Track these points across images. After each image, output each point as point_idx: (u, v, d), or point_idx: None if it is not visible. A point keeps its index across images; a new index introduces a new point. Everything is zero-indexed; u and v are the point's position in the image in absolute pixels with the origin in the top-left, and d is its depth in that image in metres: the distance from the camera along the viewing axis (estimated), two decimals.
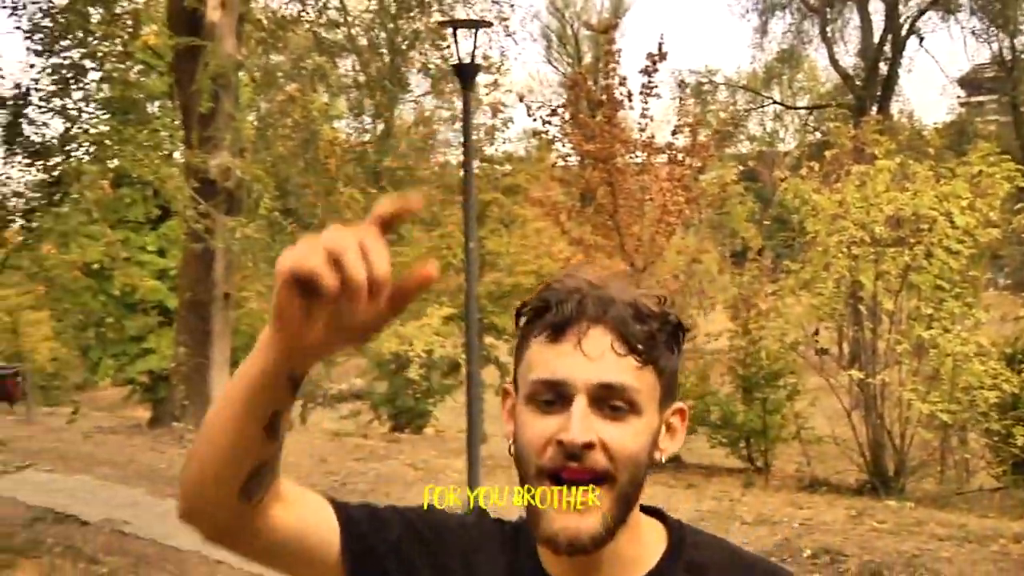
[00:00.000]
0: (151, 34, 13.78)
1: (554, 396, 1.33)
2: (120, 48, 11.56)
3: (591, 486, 1.31)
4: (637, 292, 1.37)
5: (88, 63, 10.74)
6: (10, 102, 10.18)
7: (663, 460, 1.40)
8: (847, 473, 15.34)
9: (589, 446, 1.30)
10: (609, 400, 1.32)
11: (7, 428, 19.01)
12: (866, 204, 14.35)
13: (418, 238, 26.97)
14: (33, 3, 10.70)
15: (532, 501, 1.34)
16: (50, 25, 10.60)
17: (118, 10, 11.84)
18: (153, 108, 14.47)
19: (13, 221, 10.49)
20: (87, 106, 10.97)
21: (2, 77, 10.39)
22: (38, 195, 10.40)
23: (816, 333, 17.27)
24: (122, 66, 11.83)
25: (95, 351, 25.85)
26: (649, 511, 1.48)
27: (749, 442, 16.60)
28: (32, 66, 10.35)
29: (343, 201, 18.49)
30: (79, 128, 10.66)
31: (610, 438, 1.31)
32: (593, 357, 1.31)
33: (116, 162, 10.92)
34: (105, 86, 11.67)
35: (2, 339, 30.30)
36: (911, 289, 14.65)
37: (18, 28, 10.66)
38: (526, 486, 1.36)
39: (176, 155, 16.05)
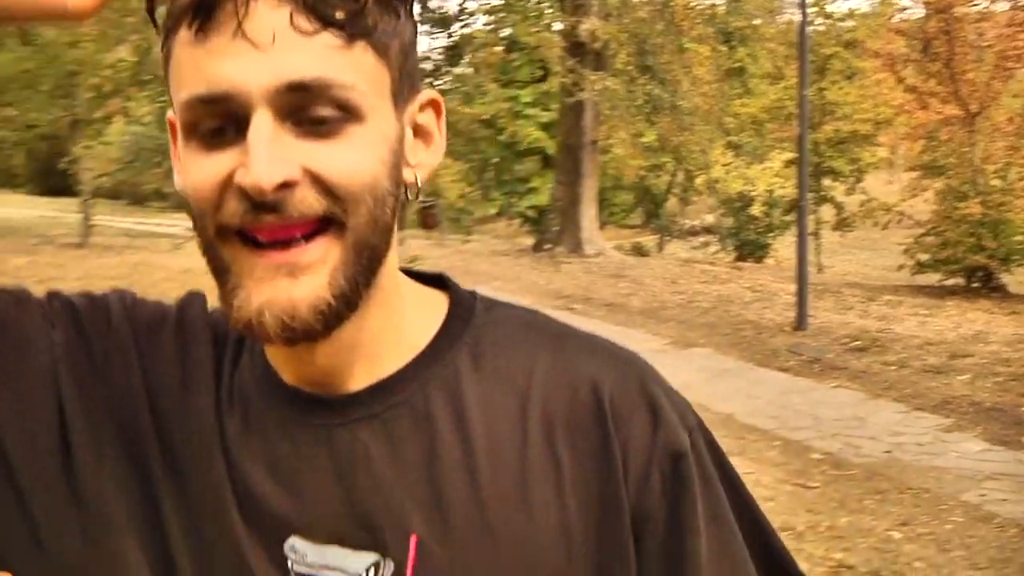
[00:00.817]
0: None
1: (222, 119, 0.73)
2: None
3: (308, 242, 0.74)
4: None
5: None
6: None
7: (419, 182, 0.83)
8: None
9: (287, 185, 0.72)
10: (308, 108, 0.73)
11: (424, 249, 20.54)
12: None
13: (764, 91, 26.00)
14: None
15: (221, 275, 0.76)
16: None
17: None
18: None
19: (422, 79, 11.21)
20: None
21: None
22: (442, 58, 11.00)
23: None
24: None
25: (491, 190, 27.26)
26: (427, 279, 0.92)
27: None
28: None
29: (694, 58, 18.12)
30: (475, 2, 11.12)
31: (321, 164, 0.73)
32: (264, 45, 0.71)
33: (507, 31, 11.27)
34: None
35: (428, 183, 32.45)
36: None
37: None
38: (205, 255, 0.78)
39: (554, 24, 16.34)
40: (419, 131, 0.83)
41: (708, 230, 26.64)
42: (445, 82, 10.78)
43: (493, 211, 27.48)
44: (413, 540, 0.79)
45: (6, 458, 0.81)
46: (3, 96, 15.83)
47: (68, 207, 24.56)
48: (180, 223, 25.12)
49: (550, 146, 22.72)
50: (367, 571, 0.80)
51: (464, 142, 17.72)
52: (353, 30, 0.73)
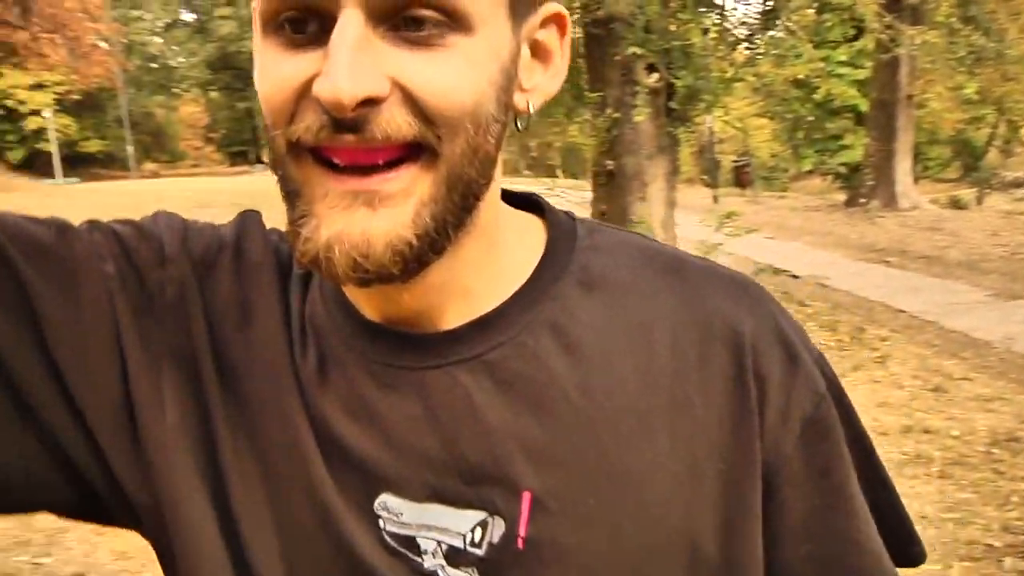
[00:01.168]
0: None
1: (305, 14, 0.56)
2: None
3: (392, 169, 0.58)
4: None
5: None
6: None
7: (531, 109, 0.65)
8: None
9: (372, 101, 0.55)
10: (406, 8, 0.55)
11: (740, 205, 20.11)
12: None
13: None
14: None
15: (287, 192, 0.61)
16: None
17: None
18: None
19: (738, 43, 10.92)
20: None
21: None
22: (756, 22, 10.72)
23: None
24: None
25: (803, 148, 26.24)
26: (517, 200, 0.74)
27: None
28: None
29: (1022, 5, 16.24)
30: None
31: (416, 79, 0.56)
32: None
33: None
34: None
35: (736, 140, 31.77)
36: None
37: None
38: (278, 171, 0.62)
39: None
40: (538, 50, 0.66)
41: None
42: (759, 45, 10.48)
43: (806, 168, 26.47)
44: (527, 496, 0.65)
45: (72, 399, 0.66)
46: None
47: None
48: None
49: (863, 103, 21.48)
50: (472, 531, 0.65)
51: (777, 102, 17.08)
52: None
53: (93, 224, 0.71)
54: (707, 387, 0.68)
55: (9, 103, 44.00)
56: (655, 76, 9.49)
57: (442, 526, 0.66)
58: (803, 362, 0.70)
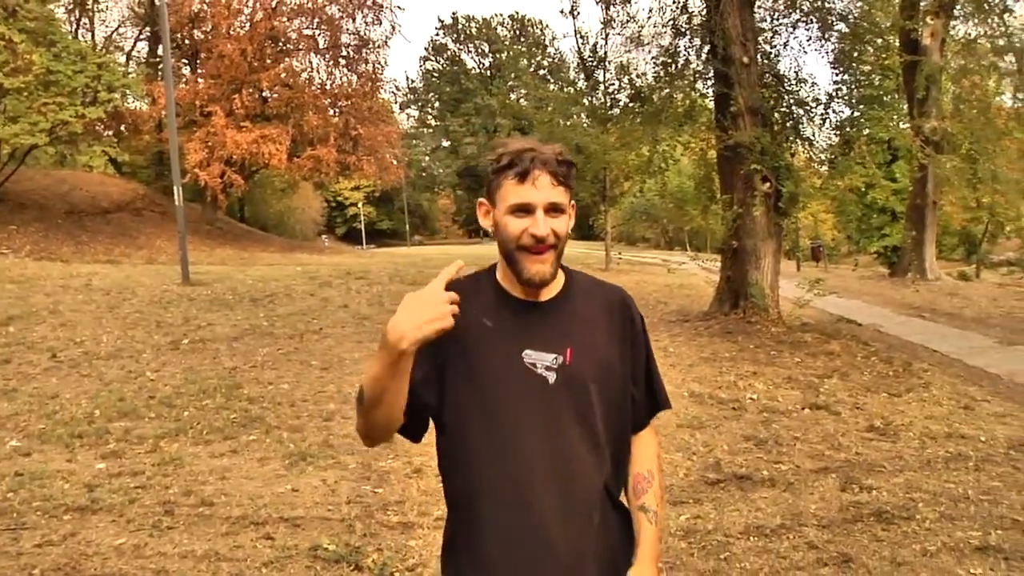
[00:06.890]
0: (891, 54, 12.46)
1: (525, 210, 1.34)
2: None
3: (547, 252, 1.34)
4: (556, 149, 1.37)
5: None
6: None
7: (569, 225, 1.41)
8: None
9: (545, 237, 1.34)
10: (553, 209, 1.34)
11: (814, 272, 18.45)
12: None
13: None
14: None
15: (515, 261, 1.36)
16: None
17: None
18: (888, 99, 13.63)
19: (823, 164, 10.56)
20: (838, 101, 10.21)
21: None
22: (831, 156, 10.24)
23: None
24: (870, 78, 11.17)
25: (856, 235, 26.71)
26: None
27: None
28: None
29: (1012, 144, 15.86)
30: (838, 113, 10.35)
31: (556, 228, 1.34)
32: (542, 189, 1.33)
33: (867, 131, 10.02)
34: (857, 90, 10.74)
35: (812, 230, 31.93)
36: None
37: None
38: (507, 253, 1.38)
39: (903, 124, 14.61)
40: (571, 215, 1.41)
41: (1010, 262, 25.00)
42: (838, 166, 10.02)
43: (872, 249, 26.64)
44: (569, 350, 1.38)
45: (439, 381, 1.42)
46: None
47: (595, 247, 28.81)
48: (659, 256, 26.69)
49: (899, 206, 21.93)
50: (553, 359, 1.37)
51: (837, 205, 17.39)
52: (566, 185, 1.36)
53: None
54: (613, 314, 1.44)
55: (340, 198, 54.15)
56: (767, 185, 9.88)
57: (541, 360, 1.36)
58: (636, 307, 1.48)
